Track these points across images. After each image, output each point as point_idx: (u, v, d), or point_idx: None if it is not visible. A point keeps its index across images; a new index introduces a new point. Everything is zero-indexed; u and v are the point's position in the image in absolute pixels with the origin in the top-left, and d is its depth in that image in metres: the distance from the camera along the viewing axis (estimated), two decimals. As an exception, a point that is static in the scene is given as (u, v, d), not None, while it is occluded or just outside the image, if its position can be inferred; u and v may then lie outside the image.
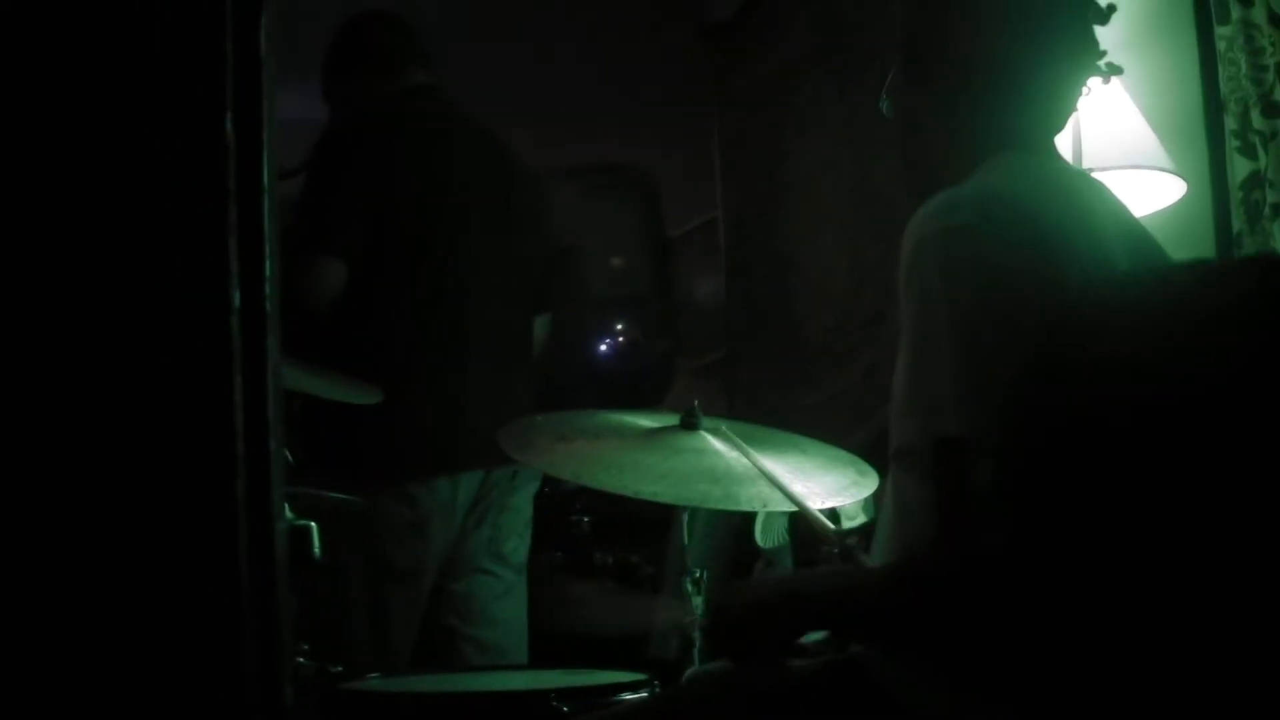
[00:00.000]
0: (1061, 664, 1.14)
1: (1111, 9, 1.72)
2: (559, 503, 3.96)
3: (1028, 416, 1.18)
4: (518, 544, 3.17)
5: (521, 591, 3.19)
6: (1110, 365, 1.13)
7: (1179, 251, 2.85)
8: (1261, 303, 1.10)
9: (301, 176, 3.05)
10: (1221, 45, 2.78)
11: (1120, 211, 1.74)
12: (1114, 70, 1.72)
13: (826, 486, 1.98)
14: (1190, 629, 1.08)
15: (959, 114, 1.71)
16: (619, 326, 5.31)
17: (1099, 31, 1.72)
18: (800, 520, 1.97)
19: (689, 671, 1.99)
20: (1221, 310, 1.10)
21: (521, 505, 3.16)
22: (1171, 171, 2.76)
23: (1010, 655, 1.21)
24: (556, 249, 3.45)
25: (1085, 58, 1.71)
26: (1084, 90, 1.75)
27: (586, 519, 4.26)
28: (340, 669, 2.07)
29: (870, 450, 2.10)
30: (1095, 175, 2.71)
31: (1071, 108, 1.75)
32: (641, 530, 4.15)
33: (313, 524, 1.59)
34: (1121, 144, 2.72)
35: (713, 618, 1.75)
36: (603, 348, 5.29)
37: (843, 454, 2.14)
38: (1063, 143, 2.69)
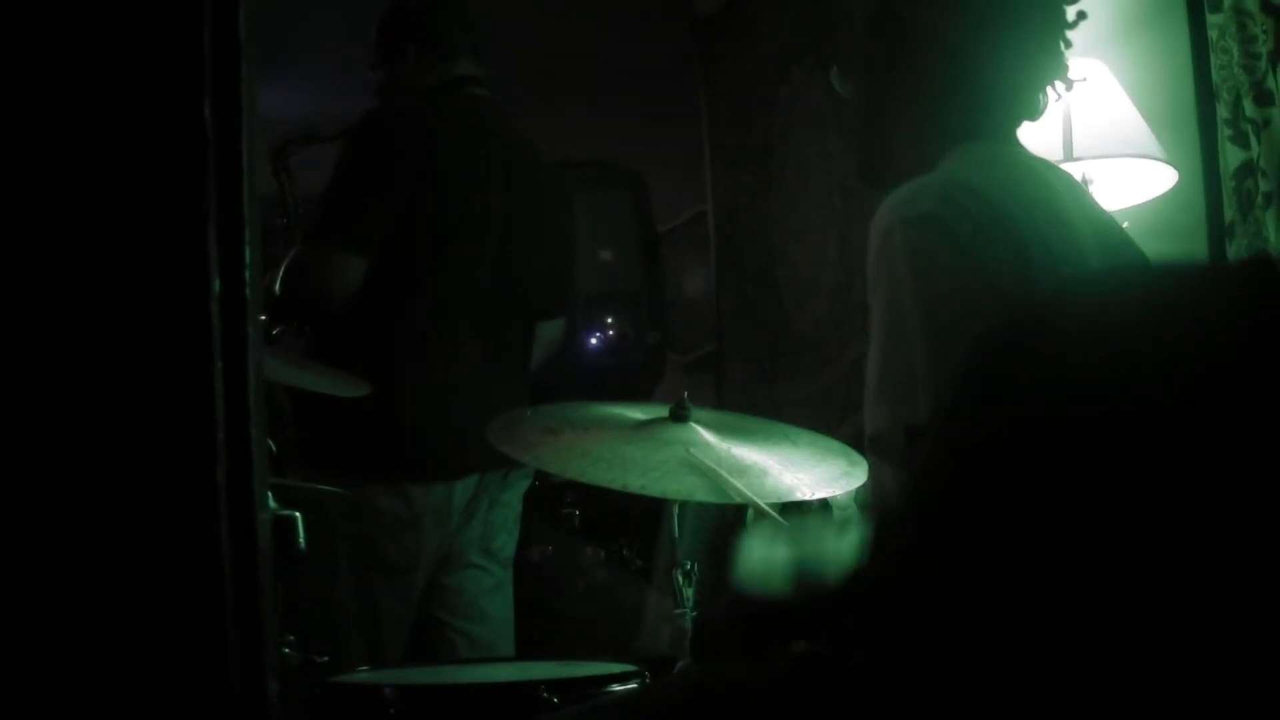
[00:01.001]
0: (1026, 665, 1.13)
1: (1081, 15, 1.73)
2: (548, 496, 3.95)
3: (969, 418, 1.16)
4: (506, 540, 3.16)
5: (509, 587, 3.18)
6: (1073, 374, 1.10)
7: (1171, 241, 2.85)
8: (1255, 309, 1.08)
9: (331, 145, 3.03)
10: (1213, 33, 2.77)
11: (1086, 201, 1.75)
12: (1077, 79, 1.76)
13: (817, 477, 1.98)
14: (1152, 637, 1.07)
15: (926, 103, 1.71)
16: (608, 321, 5.29)
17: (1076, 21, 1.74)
18: (791, 514, 1.96)
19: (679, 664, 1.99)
20: (1211, 316, 1.08)
21: (512, 501, 3.16)
22: (1163, 160, 2.76)
23: (973, 652, 1.20)
24: (573, 256, 3.40)
25: (1053, 54, 1.72)
26: (1050, 91, 1.75)
27: (577, 512, 4.25)
28: (326, 659, 2.06)
29: (860, 442, 2.10)
30: (1087, 164, 2.72)
31: (1036, 102, 1.75)
32: (632, 523, 4.14)
33: (297, 514, 1.58)
34: (1113, 133, 2.72)
35: (698, 627, 1.75)
36: (592, 342, 5.28)
37: (834, 444, 2.14)
38: (1053, 131, 2.70)
